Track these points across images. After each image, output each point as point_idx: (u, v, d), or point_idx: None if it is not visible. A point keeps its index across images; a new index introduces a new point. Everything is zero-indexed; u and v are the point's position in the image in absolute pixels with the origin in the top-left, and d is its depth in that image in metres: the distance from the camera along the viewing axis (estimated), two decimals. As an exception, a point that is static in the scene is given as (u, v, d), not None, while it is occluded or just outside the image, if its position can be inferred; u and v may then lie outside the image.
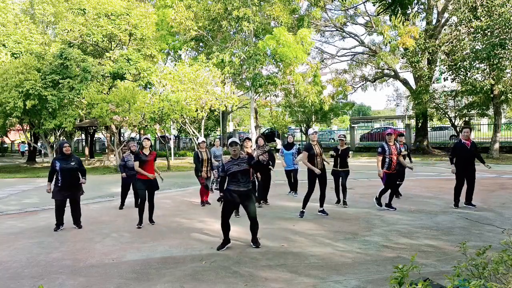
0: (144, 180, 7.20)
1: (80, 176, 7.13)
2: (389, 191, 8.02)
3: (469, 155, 7.78)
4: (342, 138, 8.77)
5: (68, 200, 7.11)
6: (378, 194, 7.99)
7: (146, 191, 7.23)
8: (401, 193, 9.51)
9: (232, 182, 5.57)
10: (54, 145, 20.32)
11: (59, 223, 7.03)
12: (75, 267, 4.97)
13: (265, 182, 8.88)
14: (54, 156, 14.82)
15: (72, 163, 6.98)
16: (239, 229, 6.58)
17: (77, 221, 7.21)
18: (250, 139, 8.01)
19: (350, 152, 8.81)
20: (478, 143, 24.27)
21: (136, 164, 7.19)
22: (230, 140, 5.73)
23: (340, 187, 8.61)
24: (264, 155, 8.70)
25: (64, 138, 21.53)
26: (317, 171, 7.21)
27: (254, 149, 8.86)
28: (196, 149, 9.44)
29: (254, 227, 5.62)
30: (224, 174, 5.63)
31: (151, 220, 7.31)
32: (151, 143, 7.49)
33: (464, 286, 2.57)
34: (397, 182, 8.69)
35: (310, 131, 7.62)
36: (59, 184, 6.93)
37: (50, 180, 7.04)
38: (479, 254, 3.04)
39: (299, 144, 25.06)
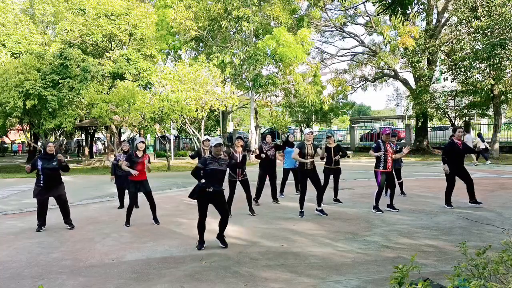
0: (135, 181, 7.24)
1: (61, 171, 7.09)
2: (389, 192, 8.01)
3: (461, 155, 7.81)
4: (330, 136, 8.99)
5: (55, 200, 7.11)
6: (374, 200, 7.83)
7: (139, 192, 7.30)
8: (405, 193, 9.54)
9: (208, 181, 5.53)
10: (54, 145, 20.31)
11: (41, 223, 7.03)
12: (75, 267, 4.97)
13: (271, 180, 8.98)
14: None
15: (54, 163, 6.96)
16: (239, 228, 6.58)
17: (67, 220, 7.16)
18: (242, 138, 8.08)
19: (343, 152, 8.91)
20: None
21: (124, 163, 7.25)
22: (215, 141, 5.67)
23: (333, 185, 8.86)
24: (271, 150, 8.97)
25: (64, 138, 21.53)
26: (304, 160, 7.30)
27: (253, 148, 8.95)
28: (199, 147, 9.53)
29: (224, 224, 5.64)
30: (203, 167, 5.58)
31: (155, 220, 7.33)
32: (145, 146, 7.51)
33: (464, 286, 2.57)
34: (398, 181, 8.73)
35: (306, 130, 7.67)
36: (41, 184, 6.94)
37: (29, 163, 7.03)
38: (479, 254, 3.04)
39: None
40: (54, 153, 7.13)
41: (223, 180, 5.74)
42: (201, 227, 5.61)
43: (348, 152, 24.65)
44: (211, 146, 5.73)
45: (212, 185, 5.52)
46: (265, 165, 8.92)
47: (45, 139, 20.44)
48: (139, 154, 7.31)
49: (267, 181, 9.09)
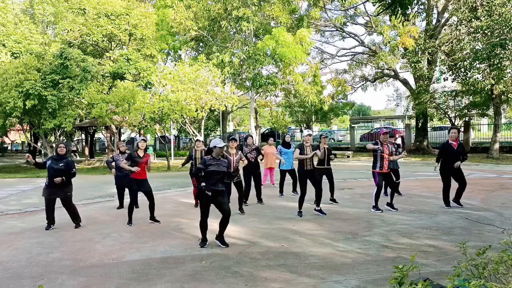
0: (135, 179, 7.26)
1: (65, 178, 6.97)
2: (389, 191, 8.02)
3: (456, 156, 7.82)
4: (325, 136, 9.06)
5: (60, 201, 7.17)
6: (373, 201, 7.88)
7: (139, 191, 7.34)
8: (401, 193, 9.54)
9: (207, 181, 5.56)
10: (54, 145, 20.31)
11: (49, 222, 7.11)
12: (75, 267, 4.97)
13: (255, 181, 8.96)
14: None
15: (61, 165, 6.97)
16: (239, 229, 6.58)
17: (75, 220, 7.24)
18: (235, 140, 8.09)
19: (332, 154, 8.94)
20: (478, 143, 24.40)
21: (125, 162, 7.25)
22: (220, 143, 5.67)
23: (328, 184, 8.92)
24: (252, 153, 8.96)
25: (64, 138, 21.54)
26: (307, 156, 7.31)
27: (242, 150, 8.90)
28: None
29: (225, 223, 5.65)
30: (204, 168, 5.61)
31: (153, 219, 7.36)
32: (147, 145, 7.52)
33: (464, 286, 2.57)
34: (396, 181, 8.75)
35: (305, 132, 7.68)
36: (46, 183, 7.07)
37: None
38: (479, 254, 3.04)
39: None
40: (65, 154, 7.16)
41: (223, 180, 5.75)
42: (203, 226, 5.66)
43: (348, 152, 24.72)
44: (215, 146, 5.67)
45: (212, 186, 5.54)
46: (246, 167, 8.84)
47: (45, 139, 20.44)
48: (141, 153, 7.32)
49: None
